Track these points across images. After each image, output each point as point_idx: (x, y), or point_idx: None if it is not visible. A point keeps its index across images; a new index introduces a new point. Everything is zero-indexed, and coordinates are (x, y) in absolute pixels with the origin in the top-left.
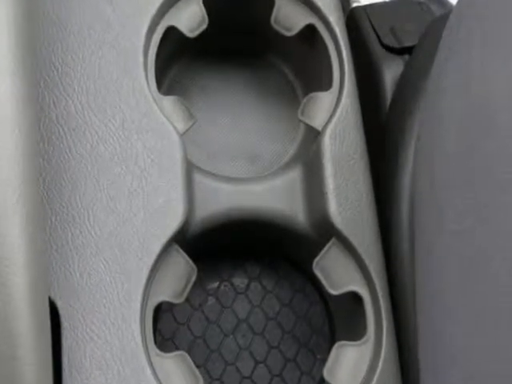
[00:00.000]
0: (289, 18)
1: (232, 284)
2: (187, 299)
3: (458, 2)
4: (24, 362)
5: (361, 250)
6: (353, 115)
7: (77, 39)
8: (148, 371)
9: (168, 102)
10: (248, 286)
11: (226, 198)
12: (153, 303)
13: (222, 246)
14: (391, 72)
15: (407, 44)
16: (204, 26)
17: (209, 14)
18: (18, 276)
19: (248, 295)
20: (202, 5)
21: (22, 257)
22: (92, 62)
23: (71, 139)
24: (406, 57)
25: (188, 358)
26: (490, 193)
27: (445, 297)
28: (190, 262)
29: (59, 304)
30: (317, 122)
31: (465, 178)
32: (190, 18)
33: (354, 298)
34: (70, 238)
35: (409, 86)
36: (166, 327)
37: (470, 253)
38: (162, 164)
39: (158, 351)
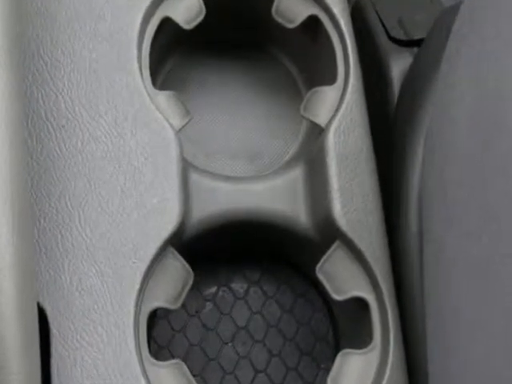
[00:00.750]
0: (291, 8)
1: (231, 289)
2: (183, 305)
3: None
4: (11, 371)
5: (366, 253)
6: (358, 111)
7: (67, 31)
8: (142, 381)
9: (163, 97)
10: (247, 291)
11: (224, 198)
12: (147, 309)
13: (220, 249)
14: (399, 66)
15: (416, 36)
16: (201, 17)
17: (206, 5)
18: (4, 280)
19: (247, 301)
20: None
21: (8, 260)
22: (83, 56)
23: (61, 136)
24: (415, 49)
25: (184, 366)
26: (503, 193)
27: (456, 300)
28: (187, 265)
29: (48, 310)
30: (320, 119)
31: (477, 177)
32: (187, 9)
33: (360, 303)
34: (59, 241)
35: (418, 80)
36: (161, 334)
37: (481, 254)
38: (157, 162)
39: (152, 360)
